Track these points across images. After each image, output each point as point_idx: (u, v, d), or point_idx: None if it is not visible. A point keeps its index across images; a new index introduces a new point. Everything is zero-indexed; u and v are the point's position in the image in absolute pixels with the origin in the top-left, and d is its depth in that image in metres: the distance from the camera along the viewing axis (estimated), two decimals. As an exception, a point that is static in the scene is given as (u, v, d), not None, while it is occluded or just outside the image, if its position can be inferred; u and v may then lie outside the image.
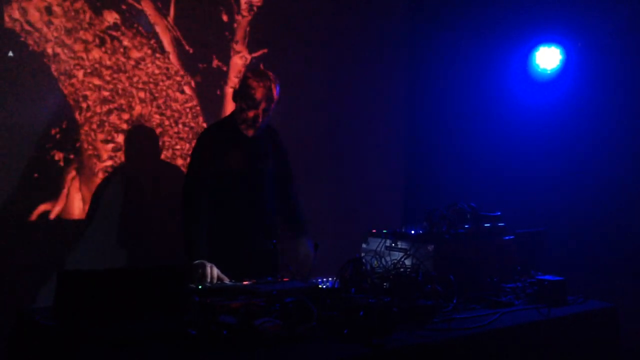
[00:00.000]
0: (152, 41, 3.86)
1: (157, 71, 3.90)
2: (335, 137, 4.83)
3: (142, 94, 3.84)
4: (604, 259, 3.92)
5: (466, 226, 2.80)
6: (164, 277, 2.08)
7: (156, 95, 3.89)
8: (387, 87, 5.13)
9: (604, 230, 3.97)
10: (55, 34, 3.51)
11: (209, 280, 2.62)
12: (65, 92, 3.57)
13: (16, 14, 3.38)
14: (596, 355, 2.59)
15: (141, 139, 3.82)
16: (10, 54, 3.39)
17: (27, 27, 3.44)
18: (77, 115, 3.61)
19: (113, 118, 3.74)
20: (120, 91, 3.75)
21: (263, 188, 3.13)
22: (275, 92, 3.00)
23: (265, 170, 3.13)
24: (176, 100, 3.98)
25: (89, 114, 3.64)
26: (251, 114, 2.97)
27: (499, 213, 2.92)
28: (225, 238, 3.02)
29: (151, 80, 3.87)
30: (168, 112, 3.95)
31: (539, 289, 2.61)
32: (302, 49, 4.62)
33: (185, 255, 2.85)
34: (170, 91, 3.95)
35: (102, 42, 3.67)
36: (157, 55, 3.89)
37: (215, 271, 2.67)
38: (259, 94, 2.95)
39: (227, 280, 2.64)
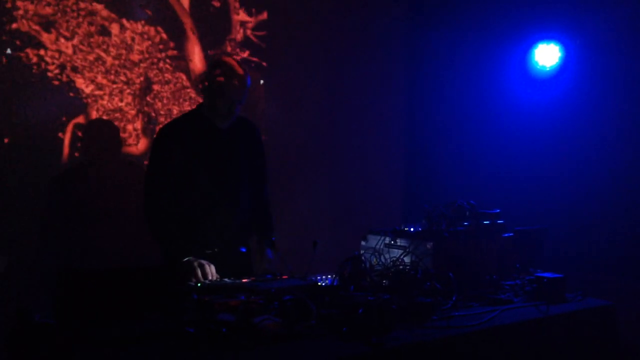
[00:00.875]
0: (153, 31, 3.87)
1: (161, 63, 3.91)
2: (334, 135, 4.83)
3: (145, 84, 3.86)
4: (602, 256, 3.93)
5: (465, 224, 2.80)
6: (163, 276, 2.08)
7: (160, 86, 3.91)
8: (387, 85, 5.14)
9: (603, 228, 3.97)
10: (55, 32, 3.51)
11: (210, 278, 2.60)
12: (71, 86, 3.59)
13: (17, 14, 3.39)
14: (594, 352, 2.59)
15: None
16: (9, 51, 3.39)
17: (29, 27, 3.44)
18: (87, 109, 3.64)
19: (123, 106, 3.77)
20: (125, 81, 3.76)
21: (237, 182, 2.98)
22: (247, 81, 2.87)
23: (240, 164, 2.99)
24: (177, 88, 3.99)
25: (97, 106, 3.66)
26: (225, 105, 2.84)
27: (498, 210, 2.92)
28: (195, 236, 2.87)
29: (155, 70, 3.89)
30: (171, 101, 3.97)
31: (538, 286, 2.61)
32: (302, 48, 4.62)
33: (170, 255, 2.75)
34: (174, 80, 3.96)
35: (104, 34, 3.69)
36: (160, 46, 3.90)
37: (214, 268, 2.65)
38: (232, 84, 2.82)
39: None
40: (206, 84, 2.89)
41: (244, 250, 2.99)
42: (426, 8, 5.12)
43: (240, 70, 2.85)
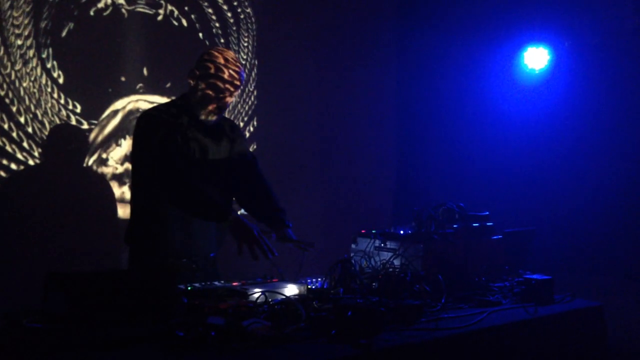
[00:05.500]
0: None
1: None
2: (325, 138, 4.84)
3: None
4: (591, 258, 3.96)
5: (454, 226, 2.81)
6: (152, 279, 2.08)
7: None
8: (377, 88, 5.15)
9: (591, 230, 4.00)
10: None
11: (267, 251, 2.51)
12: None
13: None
14: (583, 353, 2.61)
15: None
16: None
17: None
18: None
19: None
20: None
21: (215, 183, 2.81)
22: (242, 76, 2.73)
23: (220, 164, 2.82)
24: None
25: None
26: (215, 98, 2.68)
27: (487, 213, 2.93)
28: (175, 237, 2.73)
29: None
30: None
31: (527, 288, 2.62)
32: (292, 50, 4.63)
33: (215, 216, 2.58)
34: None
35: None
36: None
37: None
38: (225, 76, 2.66)
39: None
40: (197, 73, 2.71)
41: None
42: (416, 10, 5.14)
43: (234, 63, 2.71)
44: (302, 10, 4.67)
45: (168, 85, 3.98)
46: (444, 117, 4.93)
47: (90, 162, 3.80)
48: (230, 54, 2.74)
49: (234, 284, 2.51)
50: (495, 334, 2.29)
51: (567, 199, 4.11)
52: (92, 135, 3.70)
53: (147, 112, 2.77)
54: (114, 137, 3.82)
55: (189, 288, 2.40)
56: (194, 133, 2.73)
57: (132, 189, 2.83)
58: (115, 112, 3.70)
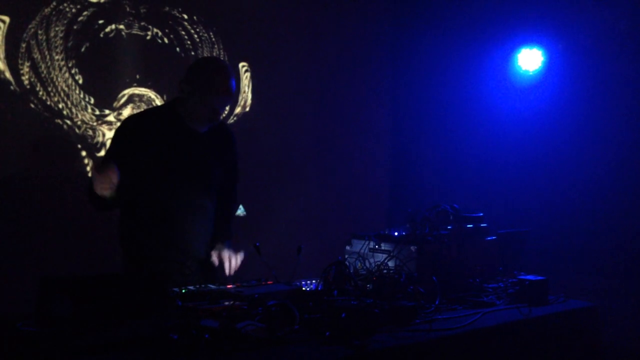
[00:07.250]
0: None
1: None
2: (319, 139, 4.84)
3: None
4: (585, 258, 3.97)
5: (449, 227, 2.81)
6: (146, 282, 2.08)
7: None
8: (372, 89, 5.17)
9: (585, 230, 4.01)
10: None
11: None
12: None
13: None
14: (577, 354, 2.61)
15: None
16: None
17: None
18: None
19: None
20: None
21: (205, 190, 2.80)
22: (233, 87, 2.68)
23: (211, 172, 2.80)
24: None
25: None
26: (210, 110, 2.64)
27: (482, 214, 2.94)
28: (161, 246, 2.72)
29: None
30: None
31: (521, 288, 2.63)
32: (287, 50, 4.63)
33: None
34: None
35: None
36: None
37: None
38: (220, 89, 2.62)
39: None
40: (187, 82, 2.66)
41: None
42: (410, 12, 5.16)
43: (227, 75, 2.65)
44: (295, 11, 4.67)
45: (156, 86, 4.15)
46: (439, 118, 4.94)
47: (88, 165, 3.84)
48: (221, 64, 2.72)
49: (228, 286, 2.51)
50: (489, 335, 2.30)
51: (562, 200, 4.12)
52: (91, 137, 3.95)
53: (127, 120, 2.78)
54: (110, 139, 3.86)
55: (183, 291, 2.40)
56: (179, 140, 2.69)
57: None
58: (117, 109, 4.10)
